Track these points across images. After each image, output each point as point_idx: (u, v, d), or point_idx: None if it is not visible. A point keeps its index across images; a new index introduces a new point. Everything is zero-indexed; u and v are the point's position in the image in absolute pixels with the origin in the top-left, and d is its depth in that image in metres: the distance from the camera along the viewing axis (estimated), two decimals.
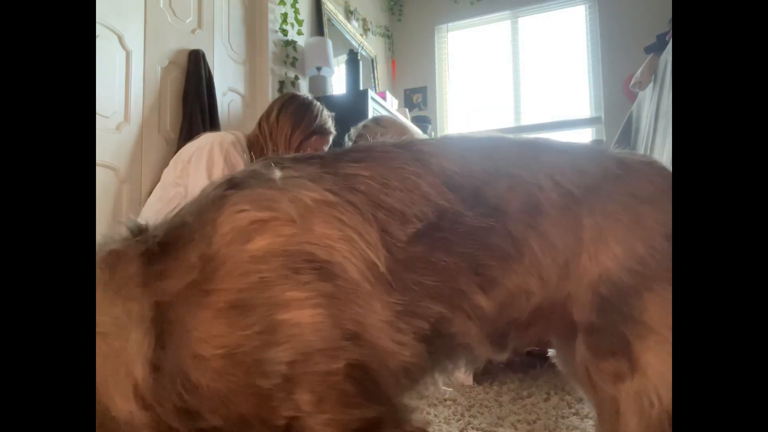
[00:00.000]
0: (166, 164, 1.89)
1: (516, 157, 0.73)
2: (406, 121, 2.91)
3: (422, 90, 4.67)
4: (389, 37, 4.71)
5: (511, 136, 0.78)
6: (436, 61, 4.67)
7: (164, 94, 2.31)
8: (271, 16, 3.00)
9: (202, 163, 1.68)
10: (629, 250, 0.65)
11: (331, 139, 2.01)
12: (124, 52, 2.11)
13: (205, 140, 1.76)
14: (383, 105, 3.30)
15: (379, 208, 0.64)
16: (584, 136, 4.21)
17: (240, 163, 1.74)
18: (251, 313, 0.57)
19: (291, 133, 1.88)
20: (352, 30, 3.93)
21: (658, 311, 0.62)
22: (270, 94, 2.92)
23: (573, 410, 1.51)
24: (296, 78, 3.20)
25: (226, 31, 2.75)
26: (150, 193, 1.92)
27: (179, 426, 0.58)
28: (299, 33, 3.21)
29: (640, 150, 2.62)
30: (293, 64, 3.17)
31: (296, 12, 3.19)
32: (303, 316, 0.57)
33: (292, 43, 3.16)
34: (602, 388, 0.66)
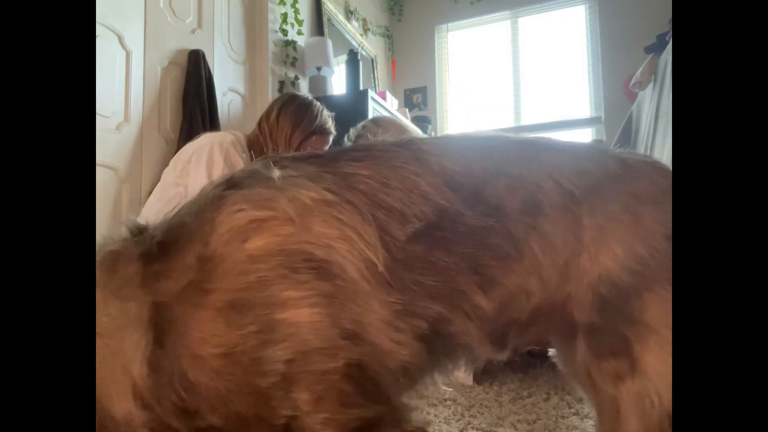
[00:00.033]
0: (166, 164, 1.90)
1: (516, 156, 0.73)
2: (405, 121, 2.91)
3: (422, 90, 4.66)
4: (389, 37, 4.71)
5: (511, 135, 0.77)
6: (436, 61, 4.67)
7: (164, 94, 2.31)
8: (271, 16, 3.00)
9: (202, 163, 1.68)
10: (630, 250, 0.65)
11: (331, 139, 2.01)
12: (124, 52, 2.11)
13: (205, 140, 1.77)
14: (383, 105, 3.30)
15: (379, 207, 0.64)
16: (584, 136, 4.21)
17: (240, 163, 1.74)
18: (249, 312, 0.57)
19: (291, 133, 1.88)
20: (352, 30, 3.93)
21: (658, 311, 0.62)
22: (270, 94, 2.91)
23: (573, 410, 1.51)
24: (296, 78, 3.20)
25: (226, 31, 2.75)
26: (150, 193, 1.92)
27: (178, 425, 0.58)
28: (299, 33, 3.21)
29: (640, 150, 2.61)
30: (293, 64, 3.17)
31: (296, 12, 3.19)
32: (301, 315, 0.57)
33: (292, 43, 3.16)
34: (602, 389, 0.66)
